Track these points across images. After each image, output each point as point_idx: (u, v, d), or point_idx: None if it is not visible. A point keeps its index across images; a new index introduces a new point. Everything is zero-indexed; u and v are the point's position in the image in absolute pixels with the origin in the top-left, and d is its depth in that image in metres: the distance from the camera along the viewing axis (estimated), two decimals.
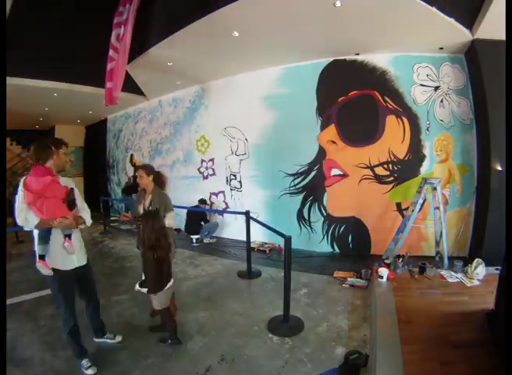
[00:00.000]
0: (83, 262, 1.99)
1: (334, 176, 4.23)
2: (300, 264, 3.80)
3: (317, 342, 2.19)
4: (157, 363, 2.01)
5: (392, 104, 3.91)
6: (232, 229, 5.24)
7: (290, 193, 4.56)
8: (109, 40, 4.12)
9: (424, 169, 3.87)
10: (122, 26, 3.96)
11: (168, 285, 2.10)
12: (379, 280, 2.89)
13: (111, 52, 4.08)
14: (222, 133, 5.20)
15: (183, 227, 5.98)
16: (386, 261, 3.18)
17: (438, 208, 3.33)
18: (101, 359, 2.05)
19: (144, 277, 2.13)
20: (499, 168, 3.21)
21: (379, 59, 3.93)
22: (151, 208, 2.35)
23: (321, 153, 4.28)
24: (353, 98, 4.07)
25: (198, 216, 5.18)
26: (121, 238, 5.62)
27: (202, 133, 5.54)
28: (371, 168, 4.03)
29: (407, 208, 3.93)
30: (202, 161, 5.59)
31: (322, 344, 2.17)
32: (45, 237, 1.80)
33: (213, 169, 5.45)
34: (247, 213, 3.54)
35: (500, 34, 2.82)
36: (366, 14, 3.00)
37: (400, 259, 3.16)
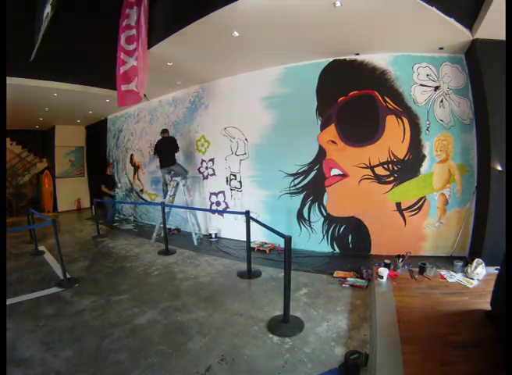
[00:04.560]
0: None
1: (334, 176, 4.23)
2: (300, 264, 3.80)
3: (317, 342, 2.19)
4: (157, 363, 2.01)
5: (392, 104, 3.91)
6: (232, 229, 5.24)
7: (290, 193, 4.56)
8: (118, 43, 4.06)
9: (424, 169, 3.87)
10: (134, 29, 3.89)
11: None
12: (379, 280, 2.89)
13: (122, 55, 4.03)
14: (222, 133, 5.20)
15: (185, 227, 6.02)
16: (386, 261, 3.19)
17: None
18: (101, 359, 2.05)
19: None
20: (499, 168, 3.21)
21: (379, 59, 3.93)
22: None
23: (321, 153, 4.28)
24: (353, 98, 4.07)
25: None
26: (121, 238, 5.62)
27: (202, 133, 5.54)
28: (371, 168, 4.03)
29: (407, 209, 3.95)
30: (202, 161, 5.59)
31: (322, 344, 2.17)
32: None
33: (213, 169, 5.45)
34: (247, 213, 3.54)
35: (500, 34, 2.83)
36: (366, 14, 3.00)
37: (400, 259, 3.17)
